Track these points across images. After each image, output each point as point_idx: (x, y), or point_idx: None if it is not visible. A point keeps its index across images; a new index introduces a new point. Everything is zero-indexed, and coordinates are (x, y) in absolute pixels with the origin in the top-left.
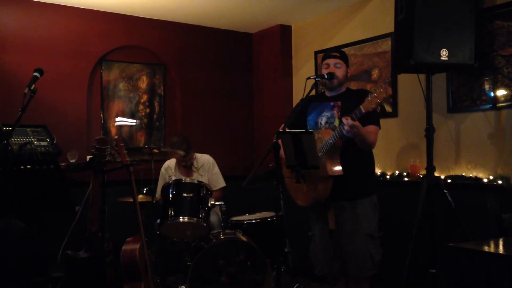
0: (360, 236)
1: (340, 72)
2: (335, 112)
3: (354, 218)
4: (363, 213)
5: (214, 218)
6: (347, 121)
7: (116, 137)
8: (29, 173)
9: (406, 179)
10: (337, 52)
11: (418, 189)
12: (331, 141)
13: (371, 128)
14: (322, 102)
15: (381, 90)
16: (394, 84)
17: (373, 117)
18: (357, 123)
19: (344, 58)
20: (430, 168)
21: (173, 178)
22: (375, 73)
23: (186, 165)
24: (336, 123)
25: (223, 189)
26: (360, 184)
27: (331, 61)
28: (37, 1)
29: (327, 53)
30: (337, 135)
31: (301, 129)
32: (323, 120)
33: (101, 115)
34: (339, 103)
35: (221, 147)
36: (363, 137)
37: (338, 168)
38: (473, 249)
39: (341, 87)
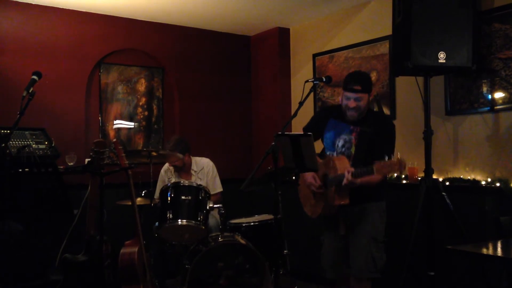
0: (364, 237)
1: (362, 104)
2: (353, 137)
3: (360, 220)
4: (369, 216)
5: (212, 221)
6: (348, 175)
7: (114, 140)
8: (27, 176)
9: (404, 181)
10: (359, 84)
11: (417, 192)
12: (345, 182)
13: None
14: (341, 122)
15: (396, 166)
16: (392, 87)
17: (388, 146)
18: (357, 181)
19: (366, 89)
20: (428, 171)
21: (173, 180)
22: (373, 76)
23: (176, 167)
24: (353, 150)
25: (221, 194)
26: (370, 190)
27: (352, 95)
28: (35, 4)
29: (349, 84)
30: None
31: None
32: (340, 143)
33: (100, 118)
34: (358, 129)
35: (220, 150)
36: (364, 185)
37: (345, 201)
38: (471, 252)
39: (361, 115)
